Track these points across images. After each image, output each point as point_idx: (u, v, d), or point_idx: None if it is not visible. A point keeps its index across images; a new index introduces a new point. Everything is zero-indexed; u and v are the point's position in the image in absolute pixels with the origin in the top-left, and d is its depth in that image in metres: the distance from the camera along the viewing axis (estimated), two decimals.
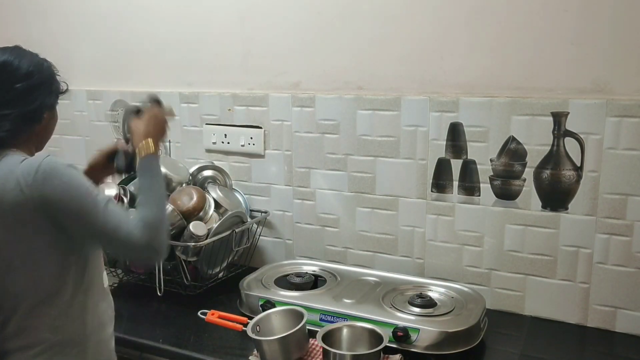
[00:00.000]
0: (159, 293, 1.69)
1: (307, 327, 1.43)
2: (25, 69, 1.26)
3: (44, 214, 1.16)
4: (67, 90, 1.39)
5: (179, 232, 1.78)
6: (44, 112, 1.29)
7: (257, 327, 1.45)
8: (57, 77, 1.35)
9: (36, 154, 1.29)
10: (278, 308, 1.54)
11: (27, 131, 1.27)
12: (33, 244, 1.20)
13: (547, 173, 1.60)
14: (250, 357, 1.44)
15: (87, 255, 1.27)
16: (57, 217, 1.17)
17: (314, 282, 1.77)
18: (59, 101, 1.36)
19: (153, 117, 1.44)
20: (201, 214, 1.82)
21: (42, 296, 1.22)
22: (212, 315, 1.53)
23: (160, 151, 1.39)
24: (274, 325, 1.48)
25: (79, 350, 1.26)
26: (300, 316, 1.43)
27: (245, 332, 1.43)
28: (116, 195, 1.81)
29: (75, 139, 2.42)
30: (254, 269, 1.87)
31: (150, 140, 1.35)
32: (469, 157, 1.69)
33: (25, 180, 1.16)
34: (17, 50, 1.31)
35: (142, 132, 1.37)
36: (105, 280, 1.37)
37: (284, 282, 1.75)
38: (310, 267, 1.87)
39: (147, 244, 1.19)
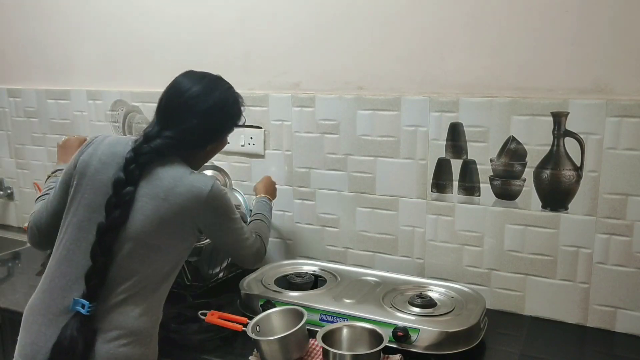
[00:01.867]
0: None
1: (307, 327, 1.43)
2: (208, 106, 1.39)
3: (198, 224, 1.37)
4: (243, 123, 1.52)
5: None
6: (209, 145, 1.44)
7: (257, 327, 1.45)
8: (239, 113, 1.48)
9: (203, 174, 1.44)
10: (278, 308, 1.54)
11: (187, 152, 1.40)
12: (178, 236, 1.35)
13: (547, 173, 1.60)
14: (250, 357, 1.44)
15: None
16: (206, 230, 1.40)
17: (314, 282, 1.77)
18: None
19: (272, 183, 1.89)
20: None
21: (159, 280, 1.35)
22: (212, 316, 1.53)
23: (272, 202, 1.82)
24: (274, 325, 1.48)
25: (150, 340, 1.36)
26: (300, 316, 1.43)
27: (245, 332, 1.43)
28: None
29: None
30: (254, 269, 1.87)
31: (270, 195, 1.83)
32: (469, 157, 1.70)
33: (198, 194, 1.33)
34: (212, 82, 1.43)
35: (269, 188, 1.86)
36: None
37: (284, 282, 1.75)
38: (310, 267, 1.87)
39: (261, 258, 1.58)
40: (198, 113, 1.37)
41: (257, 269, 1.86)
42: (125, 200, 1.30)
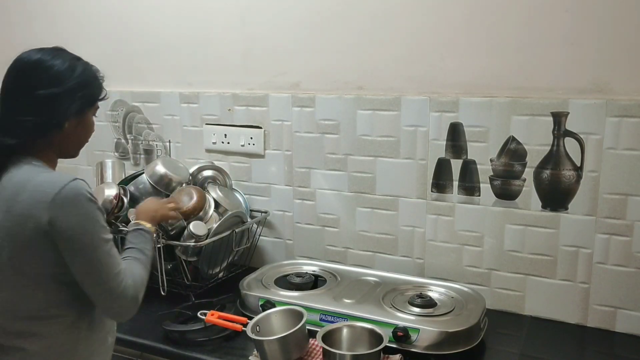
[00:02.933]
0: (162, 293, 1.68)
1: (307, 327, 1.43)
2: (53, 73, 1.19)
3: (49, 236, 1.12)
4: (105, 97, 1.32)
5: (179, 232, 1.78)
6: (67, 120, 1.20)
7: (257, 327, 1.45)
8: (96, 83, 1.29)
9: (59, 173, 1.19)
10: (278, 308, 1.54)
11: (44, 139, 1.20)
12: (29, 257, 1.14)
13: (547, 173, 1.60)
14: (250, 357, 1.44)
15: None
16: (60, 245, 1.13)
17: (314, 282, 1.77)
18: (93, 108, 1.28)
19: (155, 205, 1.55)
20: (201, 213, 1.82)
21: (30, 309, 1.17)
22: (212, 316, 1.53)
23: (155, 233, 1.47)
24: (274, 325, 1.48)
25: None
26: (300, 316, 1.43)
27: (245, 332, 1.43)
28: (116, 195, 1.81)
29: None
30: (254, 269, 1.87)
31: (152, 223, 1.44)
32: (469, 157, 1.69)
33: (41, 197, 1.11)
34: (53, 52, 1.26)
35: (150, 213, 1.48)
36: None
37: (284, 282, 1.75)
38: (310, 267, 1.87)
39: (133, 297, 1.20)
40: (42, 83, 1.18)
41: (257, 269, 1.86)
42: None
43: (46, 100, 1.17)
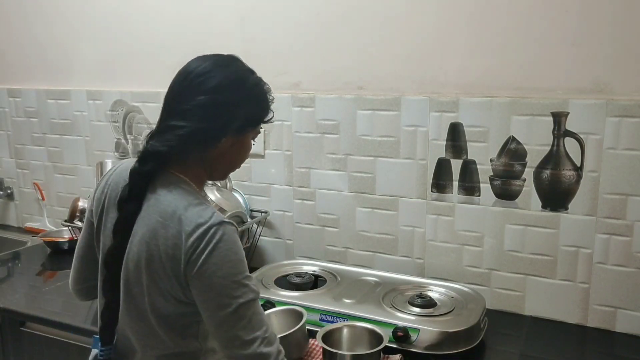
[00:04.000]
0: None
1: (307, 327, 1.44)
2: (220, 81, 1.07)
3: (188, 281, 1.02)
4: (271, 120, 1.19)
5: None
6: (224, 136, 1.08)
7: None
8: (264, 103, 1.16)
9: (211, 209, 1.06)
10: (278, 308, 1.54)
11: (197, 153, 1.09)
12: (167, 296, 1.05)
13: (547, 173, 1.60)
14: None
15: None
16: (195, 290, 1.02)
17: (314, 282, 1.77)
18: (258, 129, 1.18)
19: None
20: None
21: (167, 352, 1.09)
22: None
23: None
24: (274, 325, 1.48)
25: None
26: (300, 316, 1.43)
27: None
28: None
29: (75, 139, 2.42)
30: (254, 269, 1.87)
31: None
32: (469, 157, 1.69)
33: (189, 236, 1.01)
34: (226, 60, 1.13)
35: None
36: None
37: (284, 282, 1.75)
38: (310, 267, 1.87)
39: None
40: (206, 90, 1.07)
41: (257, 269, 1.86)
42: (127, 221, 1.06)
43: (207, 108, 1.06)
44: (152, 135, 1.10)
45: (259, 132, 1.20)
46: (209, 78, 1.07)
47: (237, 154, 1.16)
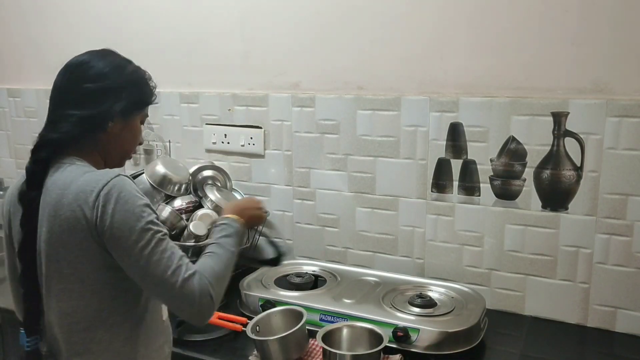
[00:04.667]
0: None
1: (307, 327, 1.43)
2: (100, 69, 1.17)
3: (97, 237, 1.07)
4: (154, 101, 1.26)
5: (180, 232, 1.78)
6: (110, 120, 1.16)
7: (257, 327, 1.45)
8: (145, 87, 1.23)
9: (103, 171, 1.14)
10: (278, 308, 1.54)
11: (90, 138, 1.16)
12: (83, 263, 1.09)
13: (547, 173, 1.60)
14: (250, 357, 1.44)
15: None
16: (108, 245, 1.07)
17: (314, 282, 1.77)
18: (142, 112, 1.23)
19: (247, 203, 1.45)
20: None
21: (89, 319, 1.13)
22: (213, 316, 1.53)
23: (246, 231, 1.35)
24: (274, 325, 1.48)
25: None
26: (299, 316, 1.43)
27: (245, 332, 1.43)
28: None
29: None
30: (254, 269, 1.87)
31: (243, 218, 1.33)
32: (469, 157, 1.69)
33: (86, 196, 1.06)
34: (102, 52, 1.24)
35: (239, 209, 1.36)
36: (165, 312, 1.26)
37: (284, 282, 1.75)
38: (310, 267, 1.87)
39: (203, 294, 1.09)
40: (89, 77, 1.15)
41: (257, 269, 1.86)
42: (30, 210, 1.11)
43: (92, 94, 1.15)
44: (47, 125, 1.18)
45: (147, 116, 1.27)
46: (90, 67, 1.17)
47: (128, 137, 1.22)
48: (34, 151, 1.15)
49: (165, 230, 1.11)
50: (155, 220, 1.09)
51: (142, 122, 1.26)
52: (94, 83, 1.15)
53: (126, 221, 1.05)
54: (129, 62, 1.24)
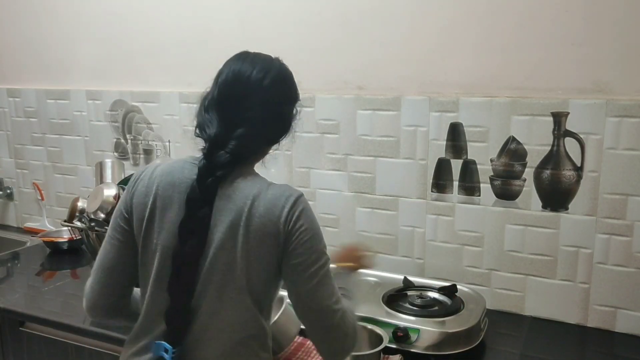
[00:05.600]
0: None
1: None
2: (270, 85, 1.14)
3: (280, 251, 1.08)
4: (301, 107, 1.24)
5: None
6: (283, 134, 1.20)
7: None
8: (296, 85, 1.23)
9: (286, 185, 1.15)
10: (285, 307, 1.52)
11: (263, 151, 1.21)
12: (259, 275, 1.09)
13: (547, 173, 1.60)
14: None
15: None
16: (286, 259, 1.08)
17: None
18: None
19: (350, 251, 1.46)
20: None
21: (250, 331, 1.11)
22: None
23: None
24: (282, 325, 1.45)
25: None
26: (280, 303, 1.39)
27: None
28: (116, 195, 1.81)
29: (75, 139, 2.41)
30: None
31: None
32: (469, 157, 1.69)
33: (277, 211, 1.07)
34: (266, 58, 1.22)
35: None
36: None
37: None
38: None
39: (352, 332, 1.11)
40: (264, 97, 1.12)
41: None
42: (202, 223, 1.07)
43: (285, 116, 1.18)
44: (216, 142, 1.10)
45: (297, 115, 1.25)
46: (263, 83, 1.13)
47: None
48: (212, 168, 1.09)
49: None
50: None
51: None
52: (271, 101, 1.14)
53: (312, 239, 1.09)
54: (279, 60, 1.25)
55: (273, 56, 1.23)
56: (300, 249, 1.07)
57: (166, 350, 1.06)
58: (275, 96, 1.14)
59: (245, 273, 1.07)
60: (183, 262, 1.06)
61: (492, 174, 1.67)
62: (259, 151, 1.19)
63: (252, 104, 1.11)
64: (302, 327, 1.33)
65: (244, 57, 1.20)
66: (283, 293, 1.41)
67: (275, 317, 1.36)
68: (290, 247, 1.07)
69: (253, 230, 1.06)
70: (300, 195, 1.11)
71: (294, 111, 1.20)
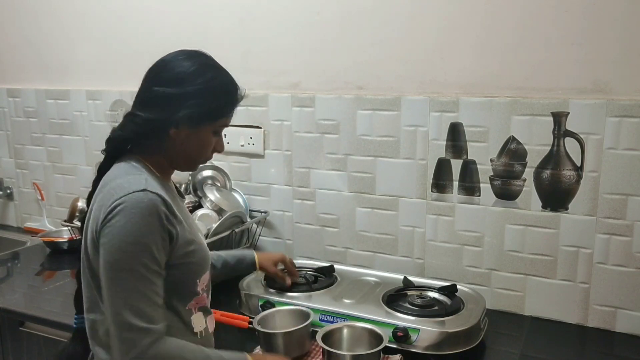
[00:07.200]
0: None
1: None
2: (174, 73, 1.14)
3: (95, 247, 1.09)
4: (229, 116, 1.19)
5: None
6: (174, 125, 1.12)
7: (259, 324, 1.45)
8: (223, 98, 1.16)
9: (138, 179, 1.09)
10: (282, 308, 1.53)
11: (153, 141, 1.15)
12: (92, 263, 1.12)
13: (547, 173, 1.60)
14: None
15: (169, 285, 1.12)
16: (97, 257, 1.08)
17: (314, 282, 1.76)
18: (213, 125, 1.16)
19: None
20: None
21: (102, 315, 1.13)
22: (215, 314, 1.53)
23: None
24: (277, 323, 1.47)
25: None
26: (304, 315, 1.45)
27: (245, 332, 1.43)
28: None
29: (75, 139, 2.41)
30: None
31: None
32: (469, 157, 1.69)
33: (107, 201, 1.06)
34: (189, 53, 1.20)
35: None
36: (205, 323, 1.23)
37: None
38: (310, 267, 1.87)
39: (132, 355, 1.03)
40: (160, 81, 1.14)
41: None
42: (90, 194, 1.17)
43: (158, 98, 1.12)
44: (117, 125, 1.18)
45: (224, 127, 1.20)
46: (165, 70, 1.15)
47: (195, 147, 1.17)
48: (105, 149, 1.18)
49: (158, 271, 1.06)
50: (157, 258, 1.05)
51: (217, 133, 1.20)
52: (163, 87, 1.12)
53: (115, 243, 1.03)
54: (213, 68, 1.19)
55: (205, 52, 1.24)
56: (102, 248, 1.06)
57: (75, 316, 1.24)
58: (169, 86, 1.13)
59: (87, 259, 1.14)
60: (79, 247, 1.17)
61: (492, 174, 1.67)
62: (147, 139, 1.14)
63: (149, 83, 1.16)
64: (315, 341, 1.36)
65: (179, 50, 1.24)
66: (308, 310, 1.46)
67: (300, 326, 1.40)
68: (97, 244, 1.08)
69: (90, 216, 1.11)
70: (133, 192, 1.05)
71: (205, 108, 1.13)
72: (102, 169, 1.16)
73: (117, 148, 1.17)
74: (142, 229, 1.04)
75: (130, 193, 1.05)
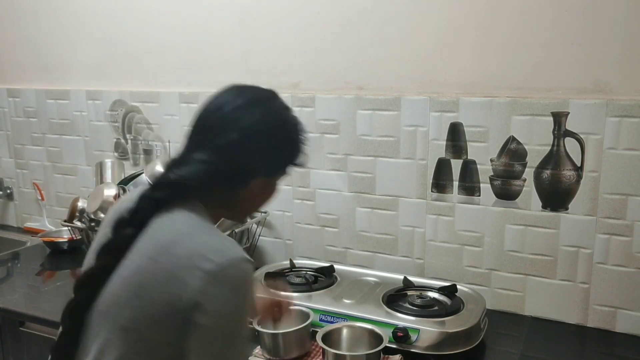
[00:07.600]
0: None
1: None
2: (254, 120, 1.00)
3: (187, 312, 0.88)
4: (302, 162, 1.09)
5: None
6: (253, 179, 1.01)
7: (259, 325, 1.45)
8: (299, 145, 1.07)
9: (229, 240, 0.97)
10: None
11: (221, 191, 1.01)
12: (159, 333, 0.91)
13: (547, 173, 1.60)
14: (251, 358, 1.44)
15: None
16: (194, 326, 0.88)
17: (314, 282, 1.76)
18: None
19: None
20: None
21: None
22: None
23: None
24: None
25: None
26: (304, 316, 1.45)
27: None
28: (116, 195, 1.81)
29: (75, 139, 2.41)
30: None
31: None
32: (469, 157, 1.69)
33: (205, 260, 0.89)
34: (262, 95, 1.06)
35: None
36: None
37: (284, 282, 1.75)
38: (310, 267, 1.87)
39: None
40: (240, 128, 0.98)
41: (257, 269, 1.86)
42: (120, 243, 0.95)
43: (239, 147, 0.99)
44: (173, 164, 1.01)
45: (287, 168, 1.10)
46: (245, 115, 1.00)
47: (263, 196, 1.08)
48: (154, 187, 1.00)
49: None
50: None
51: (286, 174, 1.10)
52: (246, 135, 0.98)
53: (233, 318, 0.90)
54: (289, 111, 1.09)
55: (276, 93, 1.09)
56: (207, 323, 0.88)
57: None
58: (254, 132, 1.00)
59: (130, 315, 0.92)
60: (80, 285, 0.97)
61: (492, 174, 1.67)
62: (214, 188, 1.00)
63: (221, 131, 0.99)
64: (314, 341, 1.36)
65: (233, 87, 1.06)
66: (308, 310, 1.46)
67: (300, 326, 1.41)
68: (197, 315, 0.87)
69: (161, 268, 0.91)
70: (241, 258, 0.91)
71: (283, 155, 1.04)
72: (146, 212, 0.96)
73: (174, 193, 0.98)
74: (250, 308, 0.96)
75: (232, 260, 0.90)
